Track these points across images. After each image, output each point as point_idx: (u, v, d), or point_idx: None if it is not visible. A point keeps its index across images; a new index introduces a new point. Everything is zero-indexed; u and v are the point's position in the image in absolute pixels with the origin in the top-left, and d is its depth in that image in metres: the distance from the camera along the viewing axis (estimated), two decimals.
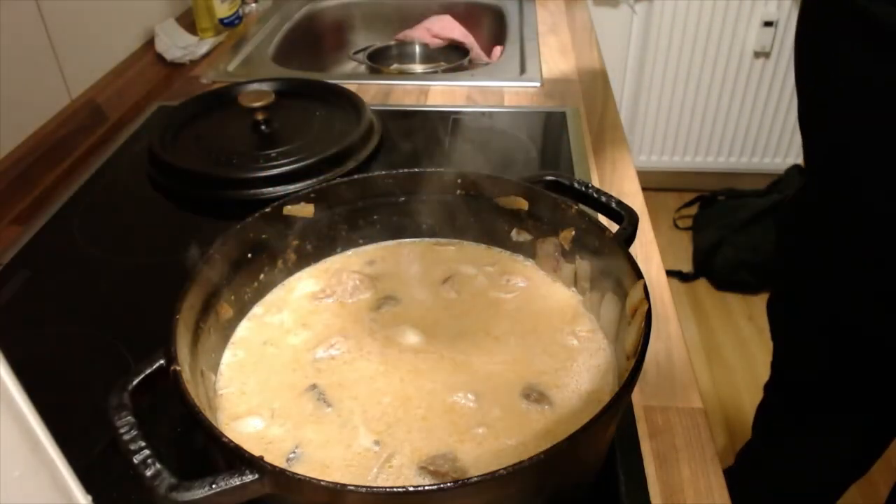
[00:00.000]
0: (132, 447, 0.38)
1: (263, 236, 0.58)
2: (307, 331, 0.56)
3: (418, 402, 0.49)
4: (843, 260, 0.81)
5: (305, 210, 0.60)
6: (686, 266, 2.18)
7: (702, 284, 2.13)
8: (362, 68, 1.37)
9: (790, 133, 2.26)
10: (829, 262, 0.84)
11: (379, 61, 1.39)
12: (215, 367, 0.53)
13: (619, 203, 0.57)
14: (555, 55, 1.23)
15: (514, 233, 0.62)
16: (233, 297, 0.56)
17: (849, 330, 0.85)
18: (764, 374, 1.81)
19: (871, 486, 1.11)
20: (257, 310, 0.58)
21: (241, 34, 1.34)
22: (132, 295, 0.70)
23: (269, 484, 0.38)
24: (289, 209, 0.59)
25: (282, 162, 0.84)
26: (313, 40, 1.48)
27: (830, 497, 1.10)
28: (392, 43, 1.45)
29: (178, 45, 1.23)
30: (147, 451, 0.38)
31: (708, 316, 2.03)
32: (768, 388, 1.09)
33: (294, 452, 0.46)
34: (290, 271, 0.61)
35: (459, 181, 0.62)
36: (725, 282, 2.10)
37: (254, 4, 1.48)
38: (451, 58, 1.38)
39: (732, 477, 0.63)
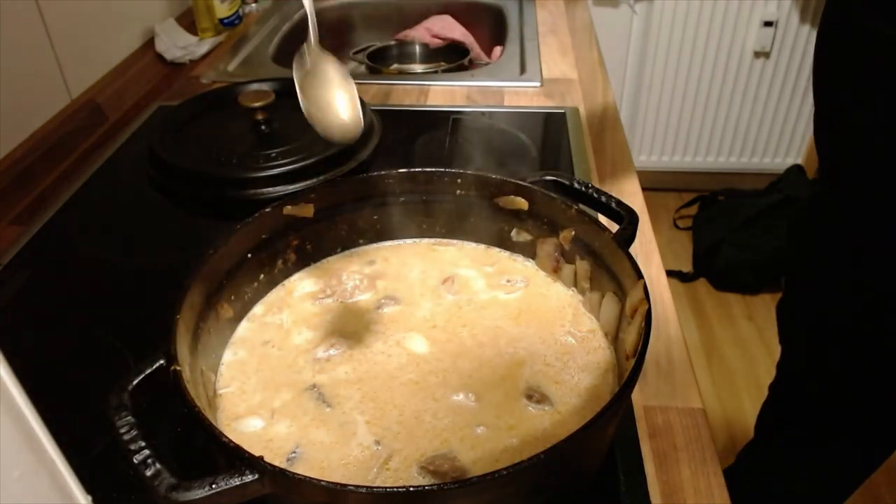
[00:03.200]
0: (132, 447, 0.38)
1: (263, 236, 0.58)
2: (307, 331, 0.56)
3: (418, 401, 0.49)
4: (862, 265, 0.81)
5: (305, 210, 0.60)
6: (686, 266, 2.18)
7: (702, 284, 2.13)
8: (362, 68, 1.37)
9: (790, 133, 2.26)
10: (847, 268, 0.84)
11: (379, 61, 1.39)
12: (215, 367, 0.53)
13: (619, 203, 0.57)
14: (555, 55, 1.23)
15: (514, 233, 0.62)
16: (233, 297, 0.56)
17: (863, 336, 0.85)
18: (764, 373, 1.82)
19: (873, 487, 1.11)
20: (257, 310, 0.58)
21: (241, 34, 1.34)
22: (132, 295, 0.70)
23: (269, 484, 0.38)
24: (289, 209, 0.59)
25: (282, 162, 0.84)
26: None
27: (833, 501, 1.10)
28: (392, 43, 1.45)
29: (178, 45, 1.23)
30: (147, 451, 0.38)
31: (708, 316, 2.03)
32: (774, 388, 1.09)
33: (294, 452, 0.46)
34: (290, 271, 0.61)
35: (459, 181, 0.62)
36: (725, 282, 2.10)
37: (254, 4, 1.48)
38: (451, 58, 1.38)
39: (733, 476, 0.63)
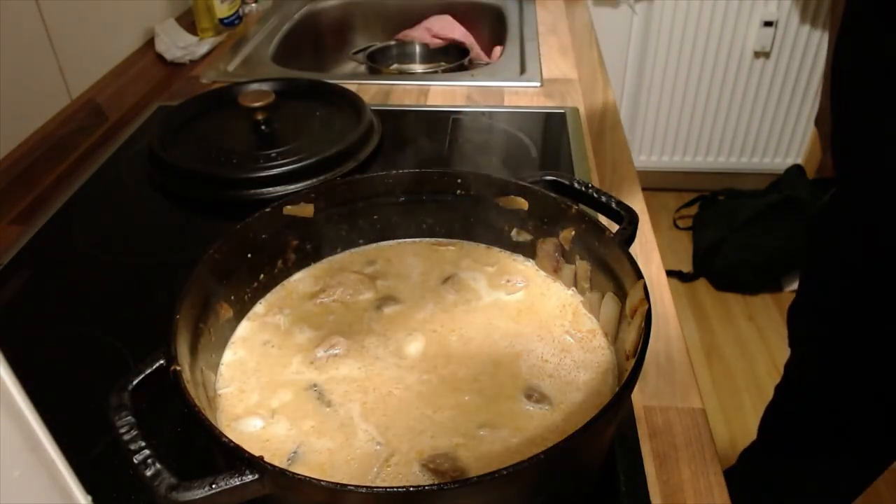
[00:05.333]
0: (132, 447, 0.38)
1: (263, 236, 0.58)
2: (307, 331, 0.56)
3: (419, 401, 0.49)
4: (873, 268, 0.81)
5: (305, 210, 0.60)
6: (686, 266, 2.18)
7: (702, 284, 2.13)
8: (362, 68, 1.37)
9: (790, 133, 2.26)
10: (857, 271, 0.84)
11: (379, 61, 1.39)
12: (215, 367, 0.53)
13: (619, 203, 0.57)
14: (555, 55, 1.23)
15: (514, 233, 0.62)
16: (233, 297, 0.56)
17: (873, 339, 0.85)
18: (764, 374, 1.82)
19: (872, 486, 1.11)
20: (257, 309, 0.58)
21: (241, 34, 1.34)
22: (132, 295, 0.70)
23: (269, 484, 0.38)
24: (289, 209, 0.59)
25: (282, 162, 0.84)
26: (313, 40, 1.48)
27: None
28: (392, 43, 1.45)
29: (178, 45, 1.23)
30: (147, 451, 0.38)
31: (708, 316, 2.03)
32: (779, 390, 1.09)
33: (294, 452, 0.46)
34: (290, 271, 0.61)
35: (459, 181, 0.62)
36: (725, 282, 2.10)
37: (254, 4, 1.48)
38: (451, 58, 1.38)
39: (733, 477, 0.63)
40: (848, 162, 0.81)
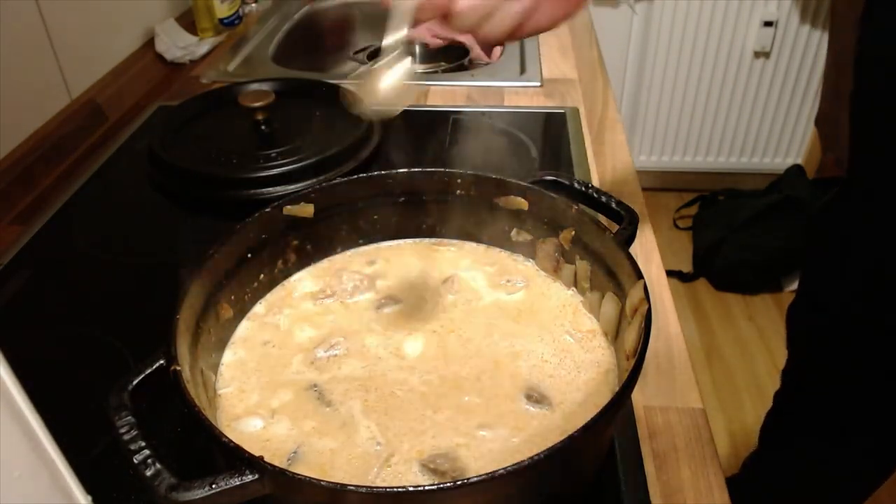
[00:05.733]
0: (132, 447, 0.38)
1: (263, 236, 0.58)
2: (307, 331, 0.56)
3: (419, 401, 0.49)
4: (878, 270, 0.80)
5: (305, 210, 0.60)
6: (686, 266, 2.17)
7: (702, 284, 2.13)
8: (362, 68, 1.36)
9: (790, 133, 2.26)
10: (861, 273, 0.83)
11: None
12: (215, 367, 0.53)
13: (619, 203, 0.57)
14: (555, 55, 1.23)
15: (514, 233, 0.62)
16: (233, 297, 0.56)
17: (876, 341, 0.85)
18: (764, 374, 1.82)
19: (874, 496, 1.11)
20: (257, 309, 0.58)
21: (241, 34, 1.34)
22: (132, 295, 0.70)
23: (269, 484, 0.38)
24: (289, 209, 0.59)
25: (282, 162, 0.84)
26: (313, 40, 1.48)
27: None
28: None
29: (178, 45, 1.23)
30: (147, 451, 0.38)
31: (708, 316, 2.03)
32: (779, 397, 1.08)
33: (294, 452, 0.46)
34: (290, 271, 0.61)
35: (459, 181, 0.62)
36: (725, 282, 2.10)
37: (254, 4, 1.48)
38: (452, 58, 1.38)
39: (738, 486, 0.63)
40: (867, 156, 0.80)
